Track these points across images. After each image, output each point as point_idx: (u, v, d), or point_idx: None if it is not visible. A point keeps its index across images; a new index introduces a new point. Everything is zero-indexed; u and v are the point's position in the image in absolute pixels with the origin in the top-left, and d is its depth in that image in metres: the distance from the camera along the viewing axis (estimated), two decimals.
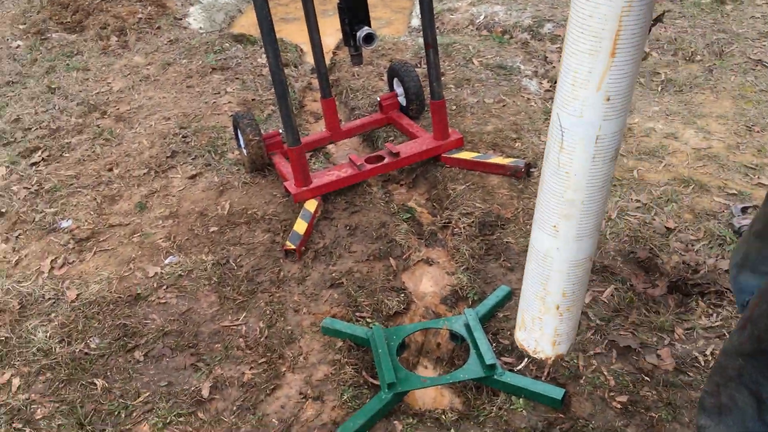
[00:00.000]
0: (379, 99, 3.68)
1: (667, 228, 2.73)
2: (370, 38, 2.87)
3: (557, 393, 2.07)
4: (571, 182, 1.30)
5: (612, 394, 2.10)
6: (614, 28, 1.10)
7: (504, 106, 3.80)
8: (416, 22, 5.29)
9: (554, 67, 4.18)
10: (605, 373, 2.17)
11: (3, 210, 3.34)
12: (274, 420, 2.15)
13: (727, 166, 3.07)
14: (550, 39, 4.55)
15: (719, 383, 1.33)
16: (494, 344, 2.34)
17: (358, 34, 2.89)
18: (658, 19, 1.30)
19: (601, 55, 1.14)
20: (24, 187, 3.51)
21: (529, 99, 3.87)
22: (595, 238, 1.42)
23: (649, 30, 1.19)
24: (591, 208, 1.33)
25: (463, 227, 2.91)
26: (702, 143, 3.25)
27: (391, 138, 3.65)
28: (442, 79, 4.11)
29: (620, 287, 2.47)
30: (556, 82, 3.98)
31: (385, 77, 4.29)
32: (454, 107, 3.83)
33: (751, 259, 1.47)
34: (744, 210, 2.70)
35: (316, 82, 4.30)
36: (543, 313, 1.57)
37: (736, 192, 2.88)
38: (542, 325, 1.59)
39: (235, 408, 2.21)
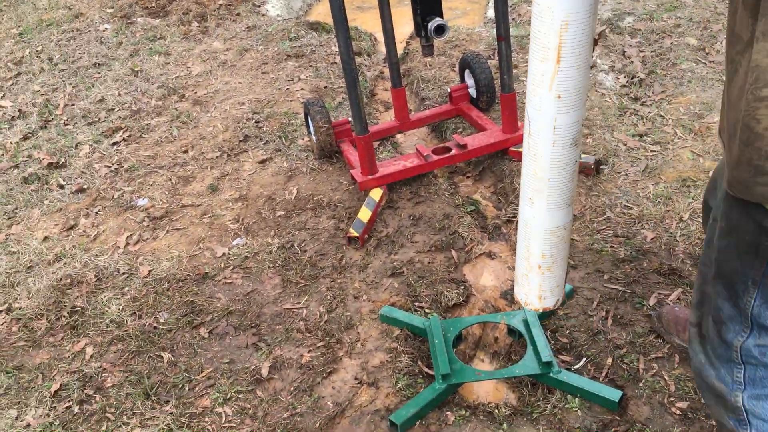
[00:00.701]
0: (449, 90, 3.67)
1: None
2: (441, 29, 2.87)
3: (614, 395, 2.04)
4: (538, 163, 1.58)
5: (672, 399, 2.05)
6: (556, 42, 1.38)
7: None
8: (492, 13, 5.24)
9: (632, 62, 4.07)
10: (666, 377, 2.12)
11: (85, 186, 3.51)
12: (329, 403, 2.19)
13: None
14: (630, 33, 4.43)
15: (692, 310, 1.51)
16: (552, 342, 2.32)
17: (429, 24, 2.89)
18: (601, 35, 1.49)
19: (549, 62, 1.41)
20: (105, 166, 3.67)
21: (603, 94, 3.78)
22: (566, 210, 1.67)
23: (595, 43, 1.22)
24: (557, 185, 1.60)
25: None
26: None
27: (460, 129, 3.65)
28: (515, 71, 4.07)
29: (688, 291, 2.41)
30: (633, 78, 3.88)
31: (456, 68, 4.27)
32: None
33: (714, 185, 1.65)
34: None
35: (387, 72, 4.32)
36: (528, 271, 1.83)
37: None
38: (529, 281, 1.85)
39: (292, 388, 2.26)
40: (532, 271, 1.81)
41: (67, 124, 4.13)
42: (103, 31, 5.47)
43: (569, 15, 1.35)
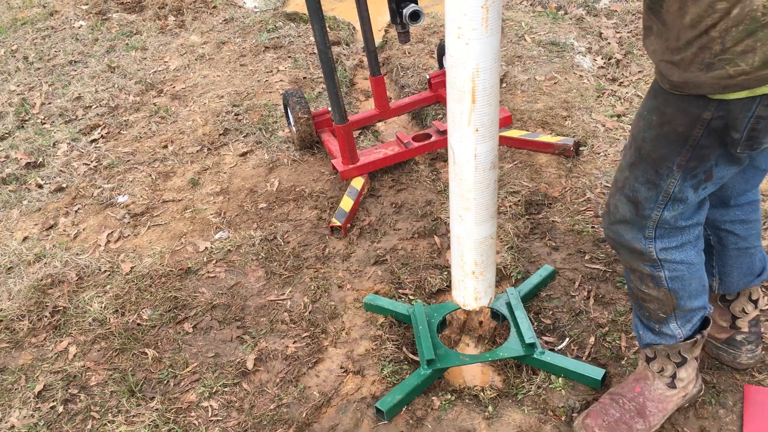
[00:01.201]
0: (428, 77, 3.66)
1: None
2: (416, 15, 2.86)
3: (597, 373, 2.05)
4: (464, 185, 1.81)
5: None
6: (470, 86, 1.60)
7: (555, 83, 3.74)
8: None
9: (609, 43, 4.08)
10: None
11: (64, 185, 3.48)
12: (315, 392, 2.20)
13: None
14: (606, 14, 4.44)
15: (610, 194, 1.71)
16: (535, 323, 2.33)
17: (404, 11, 2.88)
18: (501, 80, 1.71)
19: (466, 102, 1.64)
20: (84, 163, 3.64)
21: (581, 76, 3.79)
22: (491, 222, 1.90)
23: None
24: (482, 202, 1.84)
25: (510, 206, 2.89)
26: None
27: (440, 116, 3.64)
28: None
29: None
30: (610, 59, 3.89)
31: (435, 55, 4.26)
32: (505, 85, 3.78)
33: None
34: None
35: (366, 60, 4.31)
36: (464, 277, 2.05)
37: None
38: (465, 286, 2.07)
39: (278, 380, 2.26)
40: (468, 277, 2.05)
41: (45, 123, 4.10)
42: (79, 28, 5.41)
43: (479, 64, 1.58)
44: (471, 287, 2.08)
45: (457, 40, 1.56)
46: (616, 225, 1.70)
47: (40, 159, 3.71)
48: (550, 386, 2.08)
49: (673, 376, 1.86)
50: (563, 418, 1.98)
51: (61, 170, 3.60)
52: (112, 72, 4.64)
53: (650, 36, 1.46)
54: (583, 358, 2.17)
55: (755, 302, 2.00)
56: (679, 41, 1.35)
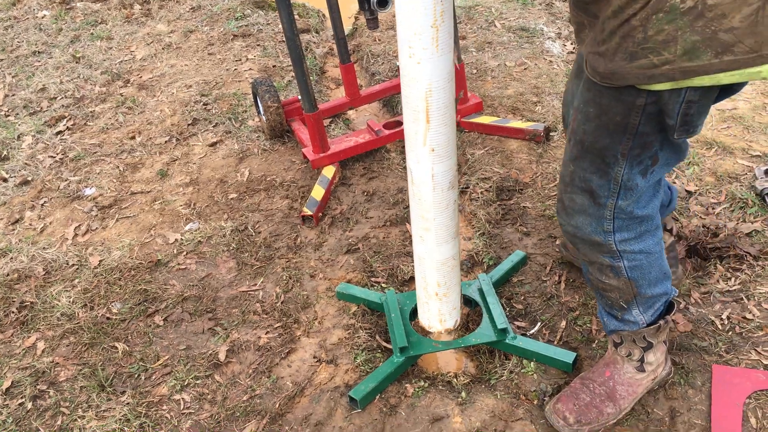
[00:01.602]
0: (398, 64, 3.64)
1: (688, 191, 2.68)
2: (384, 2, 2.83)
3: (569, 357, 2.07)
4: (423, 206, 1.82)
5: None
6: (425, 105, 1.61)
7: (525, 69, 3.74)
8: None
9: None
10: None
11: (29, 178, 3.41)
12: (288, 383, 2.18)
13: (752, 127, 2.99)
14: None
15: (560, 191, 1.70)
16: (507, 309, 2.34)
17: None
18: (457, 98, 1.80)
19: (421, 122, 1.64)
20: (49, 156, 3.57)
21: (551, 62, 3.80)
22: (452, 243, 1.91)
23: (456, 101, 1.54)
24: (442, 222, 1.84)
25: (481, 192, 2.89)
26: (727, 104, 3.17)
27: None
28: (463, 42, 4.06)
29: None
30: None
31: None
32: (475, 71, 3.78)
33: (569, 93, 1.95)
34: None
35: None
36: (428, 299, 2.07)
37: (760, 154, 2.81)
38: (429, 308, 2.09)
39: (251, 371, 2.25)
40: (431, 299, 2.06)
41: (8, 115, 4.01)
42: (42, 17, 5.31)
43: (432, 83, 1.58)
44: (435, 309, 2.10)
45: (409, 59, 1.56)
46: (575, 218, 1.69)
47: (5, 152, 3.63)
48: (523, 371, 2.09)
49: (642, 360, 1.88)
50: (535, 402, 1.99)
51: (26, 163, 3.53)
52: (77, 62, 4.55)
53: (583, 31, 1.48)
54: (555, 342, 2.18)
55: (669, 231, 2.12)
56: (604, 32, 1.37)
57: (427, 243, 1.91)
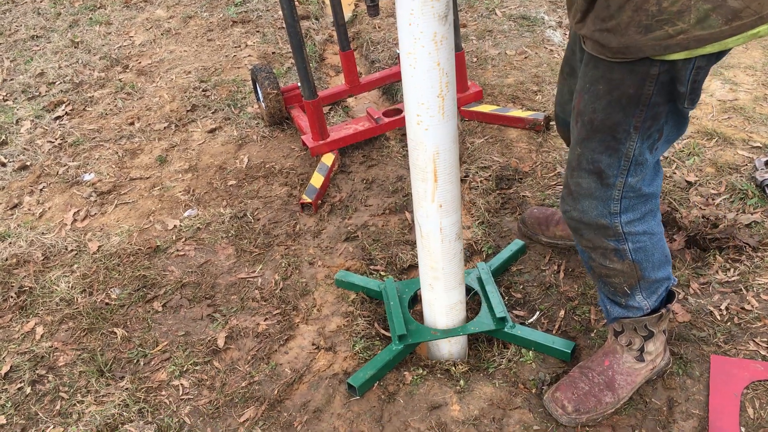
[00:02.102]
0: (398, 52, 3.63)
1: (688, 182, 2.68)
2: None
3: (567, 346, 2.07)
4: (432, 257, 1.92)
5: None
6: (432, 167, 1.73)
7: (526, 57, 3.73)
8: None
9: None
10: None
11: (28, 163, 3.40)
12: (287, 369, 2.19)
13: (753, 118, 2.98)
14: None
15: (567, 176, 1.71)
16: (506, 298, 2.34)
17: None
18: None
19: (429, 181, 1.76)
20: (48, 141, 3.56)
21: (552, 51, 3.79)
22: (459, 289, 2.03)
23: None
24: (451, 271, 1.95)
25: (480, 181, 2.89)
26: (728, 95, 3.16)
27: None
28: (464, 30, 4.04)
29: None
30: None
31: None
32: (475, 59, 3.77)
33: (564, 93, 2.02)
34: None
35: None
36: (438, 341, 2.17)
37: (760, 145, 2.81)
38: (439, 348, 2.18)
39: (249, 357, 2.25)
40: (442, 341, 2.15)
41: (7, 100, 3.99)
42: (40, 1, 5.27)
43: (438, 146, 1.70)
44: (445, 350, 2.17)
45: (417, 126, 1.68)
46: (580, 203, 1.69)
47: (3, 137, 3.62)
48: (521, 359, 2.10)
49: (641, 350, 1.88)
50: (533, 391, 2.00)
51: (24, 148, 3.52)
52: (75, 47, 4.53)
53: (579, 13, 1.50)
54: (553, 332, 2.19)
55: None
56: (610, 8, 1.39)
57: (436, 290, 2.02)
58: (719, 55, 1.45)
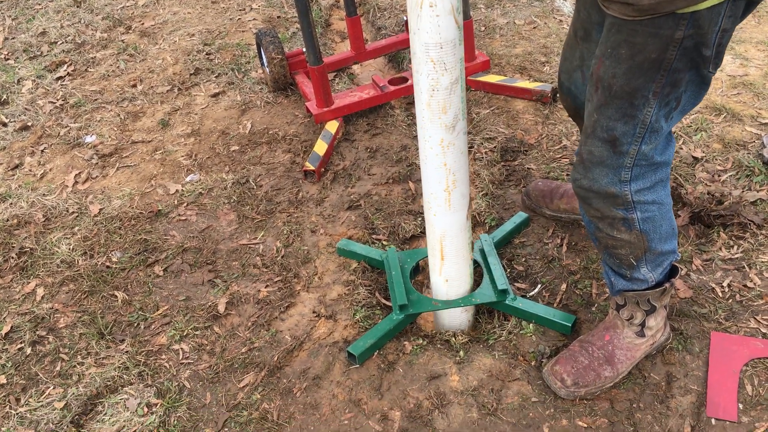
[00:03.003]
0: (405, 18, 3.58)
1: (694, 157, 2.65)
2: None
3: (568, 320, 2.07)
4: (442, 321, 2.21)
5: None
6: (439, 246, 1.97)
7: (535, 27, 3.68)
8: None
9: None
10: None
11: (29, 124, 3.38)
12: (287, 336, 2.19)
13: (762, 94, 2.95)
14: None
15: (581, 144, 1.71)
16: (508, 270, 2.34)
17: None
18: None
19: (437, 257, 2.01)
20: (49, 102, 3.53)
21: (561, 21, 3.73)
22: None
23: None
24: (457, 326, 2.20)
25: (485, 152, 2.86)
26: (738, 70, 3.12)
27: None
28: None
29: None
30: None
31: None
32: (483, 28, 3.72)
33: (574, 59, 2.00)
34: None
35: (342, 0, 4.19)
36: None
37: None
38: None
39: (249, 324, 2.25)
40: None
41: (8, 59, 3.95)
42: None
43: (445, 231, 1.94)
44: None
45: (428, 209, 1.92)
46: (591, 171, 1.68)
47: (4, 96, 3.59)
48: (521, 332, 2.10)
49: (642, 324, 1.88)
50: (533, 364, 2.00)
51: (26, 108, 3.49)
52: (78, 6, 4.47)
53: None
54: (555, 305, 2.18)
55: None
56: None
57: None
58: (748, 7, 1.46)
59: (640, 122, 1.56)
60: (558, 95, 2.18)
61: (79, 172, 3.02)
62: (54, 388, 2.10)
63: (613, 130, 1.60)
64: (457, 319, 2.16)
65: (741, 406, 1.82)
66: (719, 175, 2.56)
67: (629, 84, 1.52)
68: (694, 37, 1.43)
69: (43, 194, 2.90)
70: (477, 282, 2.28)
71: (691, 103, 1.60)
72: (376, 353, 2.09)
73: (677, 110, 1.58)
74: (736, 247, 2.28)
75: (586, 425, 1.83)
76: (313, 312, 2.27)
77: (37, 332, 2.29)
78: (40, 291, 2.45)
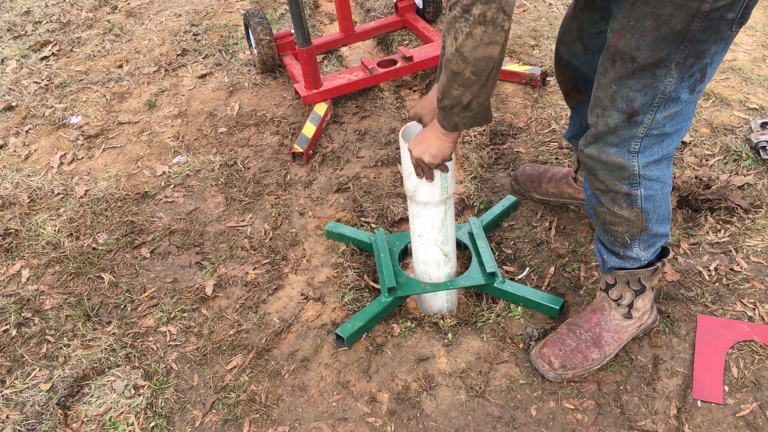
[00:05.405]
0: (395, 1, 3.55)
1: (683, 142, 2.66)
2: None
3: (556, 302, 2.07)
4: None
5: None
6: None
7: (524, 11, 3.66)
8: None
9: None
10: None
11: (13, 104, 3.33)
12: (275, 319, 2.19)
13: (750, 79, 2.95)
14: None
15: (597, 114, 1.67)
16: (497, 253, 2.34)
17: None
18: None
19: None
20: (34, 82, 3.48)
21: (551, 4, 3.72)
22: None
23: None
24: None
25: (474, 135, 2.86)
26: (727, 55, 3.12)
27: (406, 42, 3.55)
28: None
29: None
30: None
31: None
32: None
33: (573, 31, 1.98)
34: (764, 125, 2.62)
35: None
36: None
37: (757, 106, 2.78)
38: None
39: (237, 306, 2.24)
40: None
41: None
42: None
43: None
44: (437, 304, 2.20)
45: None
46: (601, 140, 1.68)
47: None
48: (509, 315, 2.10)
49: (630, 306, 1.89)
50: (521, 346, 2.01)
51: (10, 88, 3.45)
52: None
53: None
54: (543, 288, 2.19)
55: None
56: None
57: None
58: None
59: (660, 92, 1.56)
60: (555, 68, 2.15)
61: (65, 153, 2.98)
62: (40, 370, 2.09)
63: (633, 101, 1.59)
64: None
65: (727, 388, 1.84)
66: (707, 160, 2.57)
67: (653, 56, 1.52)
68: (720, 10, 1.43)
69: (28, 175, 2.87)
70: (465, 265, 2.28)
71: (715, 67, 1.60)
72: (364, 335, 2.09)
73: (703, 83, 1.58)
74: (723, 231, 2.29)
75: (573, 407, 1.84)
76: (302, 294, 2.27)
77: (23, 314, 2.27)
78: (26, 272, 2.43)
